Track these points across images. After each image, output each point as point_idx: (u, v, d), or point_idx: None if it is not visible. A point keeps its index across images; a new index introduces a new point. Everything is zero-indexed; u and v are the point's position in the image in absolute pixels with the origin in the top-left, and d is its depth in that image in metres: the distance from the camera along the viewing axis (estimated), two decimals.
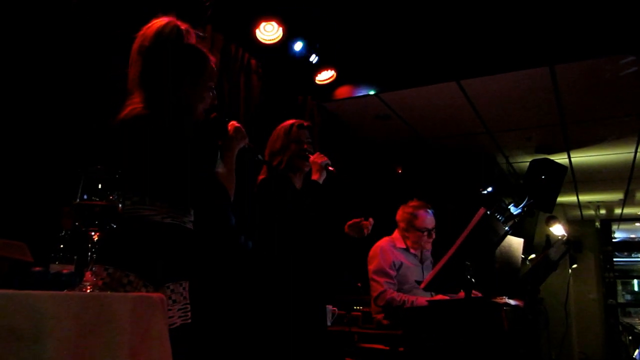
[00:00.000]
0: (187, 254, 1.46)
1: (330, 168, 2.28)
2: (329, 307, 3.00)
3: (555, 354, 5.50)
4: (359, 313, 3.28)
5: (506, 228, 2.15)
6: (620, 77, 3.63)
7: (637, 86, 3.80)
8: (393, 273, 3.08)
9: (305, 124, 2.43)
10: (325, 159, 2.30)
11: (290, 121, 2.43)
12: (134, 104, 1.43)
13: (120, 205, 1.10)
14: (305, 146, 2.36)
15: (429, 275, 2.08)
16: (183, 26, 1.51)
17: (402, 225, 3.28)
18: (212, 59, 1.58)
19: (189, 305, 1.46)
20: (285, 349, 2.01)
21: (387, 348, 2.81)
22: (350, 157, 4.64)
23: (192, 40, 1.54)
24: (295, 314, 2.05)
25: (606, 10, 3.17)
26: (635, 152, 5.15)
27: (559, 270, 3.52)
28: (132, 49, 1.49)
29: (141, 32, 1.50)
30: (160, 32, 1.48)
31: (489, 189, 2.15)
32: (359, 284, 3.69)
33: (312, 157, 2.32)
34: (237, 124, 1.66)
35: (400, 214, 3.31)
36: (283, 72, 3.77)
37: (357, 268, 3.44)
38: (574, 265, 7.92)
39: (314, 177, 2.26)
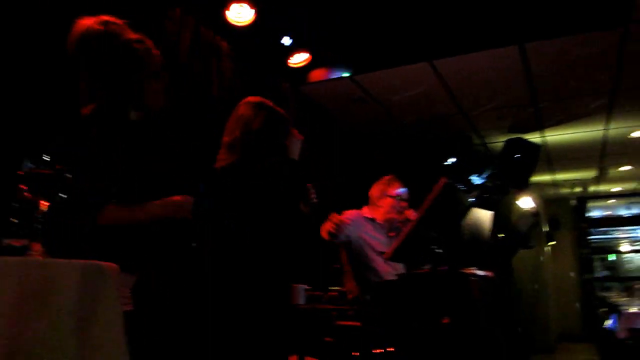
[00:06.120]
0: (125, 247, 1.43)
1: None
2: (302, 286, 3.02)
3: (525, 326, 5.63)
4: (335, 293, 3.32)
5: (471, 199, 2.19)
6: (589, 55, 3.68)
7: (605, 63, 3.87)
8: None
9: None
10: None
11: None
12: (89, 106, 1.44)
13: (69, 175, 1.10)
14: None
15: (392, 245, 2.11)
16: (111, 24, 1.47)
17: (375, 194, 3.25)
18: (155, 52, 1.53)
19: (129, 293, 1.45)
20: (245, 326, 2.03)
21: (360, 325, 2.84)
22: (327, 141, 4.64)
23: (128, 34, 1.49)
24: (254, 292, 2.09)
25: None
26: (605, 129, 5.24)
27: (535, 249, 3.60)
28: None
29: (69, 40, 1.46)
30: (82, 37, 1.44)
31: (452, 160, 2.18)
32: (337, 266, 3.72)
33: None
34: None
35: (374, 187, 3.30)
36: (256, 55, 3.74)
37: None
38: (551, 243, 8.12)
39: None
